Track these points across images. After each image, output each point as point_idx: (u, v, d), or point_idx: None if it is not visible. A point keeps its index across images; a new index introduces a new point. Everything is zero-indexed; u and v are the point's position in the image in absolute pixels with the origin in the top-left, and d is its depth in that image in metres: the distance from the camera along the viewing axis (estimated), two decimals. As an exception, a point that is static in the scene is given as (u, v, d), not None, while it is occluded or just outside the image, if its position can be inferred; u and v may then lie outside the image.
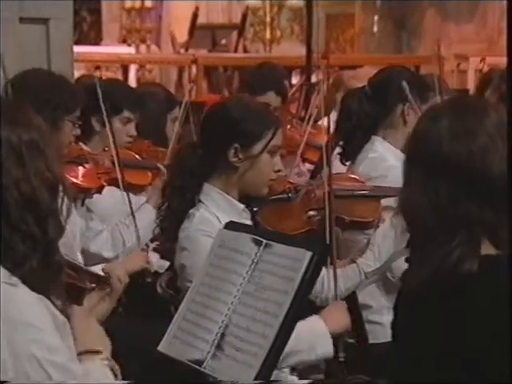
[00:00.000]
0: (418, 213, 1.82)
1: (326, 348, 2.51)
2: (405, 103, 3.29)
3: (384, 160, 3.24)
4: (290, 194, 2.89)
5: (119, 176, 3.26)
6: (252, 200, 2.71)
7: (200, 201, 2.65)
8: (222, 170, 2.66)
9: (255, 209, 2.73)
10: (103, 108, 3.32)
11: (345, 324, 2.56)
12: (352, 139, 3.33)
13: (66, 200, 1.73)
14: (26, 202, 1.65)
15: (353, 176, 3.18)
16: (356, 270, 2.79)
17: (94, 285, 2.11)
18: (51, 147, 1.72)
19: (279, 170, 2.71)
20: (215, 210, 2.63)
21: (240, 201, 2.69)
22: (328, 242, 2.64)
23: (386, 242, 2.81)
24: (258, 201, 2.74)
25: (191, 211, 2.63)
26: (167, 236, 2.70)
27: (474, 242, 1.77)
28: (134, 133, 3.64)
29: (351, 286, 2.80)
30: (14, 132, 1.67)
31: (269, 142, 2.64)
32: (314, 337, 2.49)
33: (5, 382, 1.60)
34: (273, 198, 2.81)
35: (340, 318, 2.57)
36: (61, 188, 1.72)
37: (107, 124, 3.33)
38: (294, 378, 2.64)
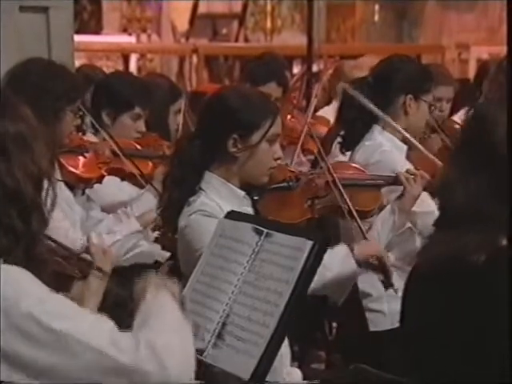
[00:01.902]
0: (454, 196, 1.81)
1: (349, 266, 2.62)
2: (407, 94, 3.29)
3: (380, 146, 3.25)
4: (290, 183, 2.89)
5: (128, 164, 3.30)
6: (252, 189, 2.71)
7: (201, 188, 2.65)
8: (222, 160, 2.65)
9: (256, 197, 2.73)
10: None
11: (374, 249, 2.70)
12: (353, 128, 3.33)
13: (50, 193, 1.72)
14: (10, 196, 1.65)
15: (354, 164, 3.18)
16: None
17: (80, 273, 2.09)
18: (39, 140, 1.71)
19: (279, 158, 2.71)
20: (216, 197, 2.63)
21: (241, 189, 2.69)
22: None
23: (385, 228, 2.83)
24: (259, 189, 2.74)
25: (192, 198, 2.63)
26: (168, 226, 2.70)
27: (495, 238, 1.76)
28: (144, 129, 3.65)
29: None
30: (0, 125, 1.67)
31: (267, 130, 2.64)
32: (335, 257, 2.58)
33: (5, 381, 1.60)
34: (273, 186, 2.81)
35: (368, 244, 2.72)
36: (46, 181, 1.71)
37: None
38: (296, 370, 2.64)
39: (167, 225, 2.70)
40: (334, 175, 2.87)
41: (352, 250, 2.65)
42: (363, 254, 2.68)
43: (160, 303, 1.78)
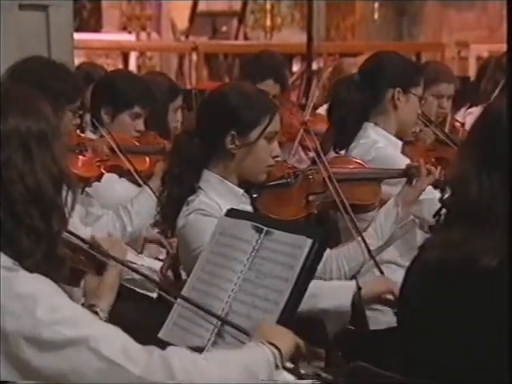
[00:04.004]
0: (468, 194, 1.80)
1: (343, 299, 2.58)
2: (395, 87, 3.29)
3: (375, 143, 3.26)
4: (288, 179, 2.89)
5: (126, 161, 3.30)
6: (251, 186, 2.71)
7: (199, 187, 2.65)
8: (220, 157, 2.65)
9: (255, 195, 2.73)
10: None
11: (382, 287, 2.66)
12: (344, 127, 3.34)
13: (70, 192, 1.72)
14: (31, 197, 1.64)
15: (354, 159, 3.19)
16: (358, 249, 2.79)
17: (91, 267, 2.06)
18: (59, 140, 1.71)
19: (277, 156, 2.71)
20: (214, 196, 2.63)
21: (239, 186, 2.69)
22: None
23: (388, 221, 2.83)
24: (257, 187, 2.74)
25: (190, 198, 2.63)
26: (168, 223, 2.70)
27: (502, 240, 1.74)
28: (142, 128, 3.65)
29: (354, 265, 2.80)
30: (23, 122, 1.66)
31: (265, 128, 2.64)
32: (337, 288, 2.58)
33: (5, 382, 1.60)
34: (272, 183, 2.81)
35: (380, 281, 2.70)
36: (65, 180, 1.71)
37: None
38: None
39: (166, 222, 2.70)
40: (330, 171, 2.87)
41: (359, 287, 2.61)
42: (377, 292, 2.66)
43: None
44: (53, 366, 1.58)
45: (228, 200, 2.59)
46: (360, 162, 3.13)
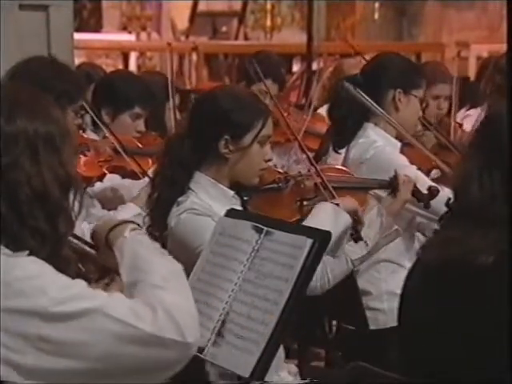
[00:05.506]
0: (469, 194, 1.82)
1: (344, 219, 2.64)
2: (396, 88, 3.30)
3: (374, 143, 3.27)
4: (279, 184, 2.89)
5: (130, 161, 3.31)
6: (242, 189, 2.71)
7: (190, 188, 2.64)
8: (213, 160, 2.65)
9: (245, 198, 2.74)
10: None
11: (353, 204, 2.72)
12: (344, 127, 3.35)
13: (77, 196, 1.74)
14: (37, 198, 1.66)
15: (341, 167, 3.21)
16: (342, 257, 2.78)
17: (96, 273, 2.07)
18: (68, 143, 1.72)
19: (270, 160, 2.71)
20: (205, 197, 2.62)
21: (230, 189, 2.69)
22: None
23: (372, 230, 2.83)
24: (249, 190, 2.74)
25: (180, 199, 2.62)
26: (158, 225, 2.68)
27: (498, 238, 1.76)
28: (143, 129, 3.65)
29: (338, 273, 2.78)
30: (31, 124, 1.67)
31: (259, 132, 2.64)
32: (328, 214, 2.62)
33: (4, 381, 1.61)
34: (263, 188, 2.82)
35: (347, 200, 2.74)
36: (72, 183, 1.73)
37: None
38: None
39: (156, 224, 2.69)
40: (323, 177, 2.88)
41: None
42: (350, 208, 2.71)
43: (146, 253, 1.83)
44: (71, 337, 1.62)
45: (219, 202, 2.59)
46: (347, 170, 3.15)
